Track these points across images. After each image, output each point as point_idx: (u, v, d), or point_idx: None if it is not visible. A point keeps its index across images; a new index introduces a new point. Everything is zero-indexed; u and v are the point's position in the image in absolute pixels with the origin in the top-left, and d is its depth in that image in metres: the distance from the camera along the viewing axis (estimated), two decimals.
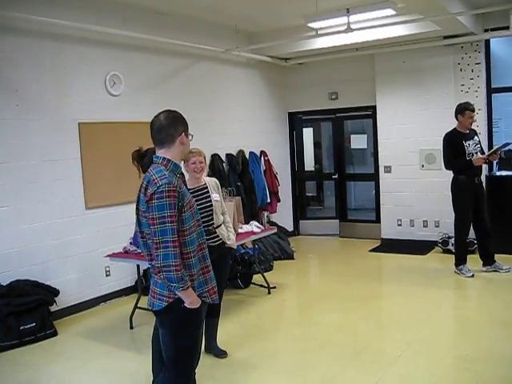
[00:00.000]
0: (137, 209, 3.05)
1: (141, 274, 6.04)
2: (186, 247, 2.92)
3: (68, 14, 6.03)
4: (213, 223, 4.61)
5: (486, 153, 7.07)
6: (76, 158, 6.33)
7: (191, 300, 2.92)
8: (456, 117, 6.91)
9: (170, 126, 3.00)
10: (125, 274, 6.81)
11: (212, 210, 4.58)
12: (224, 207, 5.02)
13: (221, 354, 4.78)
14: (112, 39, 6.65)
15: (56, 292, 5.87)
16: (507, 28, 7.18)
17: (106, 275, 6.69)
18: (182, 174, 3.12)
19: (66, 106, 6.21)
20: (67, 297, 6.19)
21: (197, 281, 2.99)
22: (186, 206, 2.92)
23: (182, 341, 3.02)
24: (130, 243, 5.68)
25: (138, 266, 5.90)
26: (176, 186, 2.86)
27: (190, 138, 3.11)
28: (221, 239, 4.67)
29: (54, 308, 5.83)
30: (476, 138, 7.02)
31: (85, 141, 6.39)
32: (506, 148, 7.53)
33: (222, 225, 4.79)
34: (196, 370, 3.21)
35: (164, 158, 2.98)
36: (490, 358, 4.53)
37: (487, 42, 8.31)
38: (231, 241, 4.85)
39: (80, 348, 5.29)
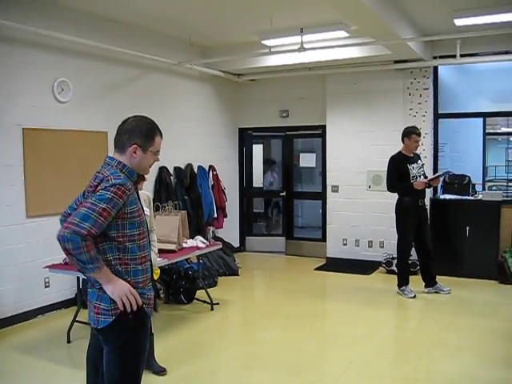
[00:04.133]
0: (69, 215, 2.88)
1: (80, 287, 5.86)
2: (126, 253, 2.80)
3: (17, 16, 5.87)
4: None
5: (429, 177, 7.22)
6: (18, 164, 6.12)
7: (110, 280, 2.72)
8: (402, 139, 7.06)
9: (125, 133, 2.89)
10: (64, 285, 6.61)
11: None
12: (153, 225, 4.96)
13: (159, 370, 4.67)
14: (62, 45, 6.50)
15: None
16: (454, 57, 7.37)
17: (45, 286, 6.48)
18: (136, 182, 2.98)
19: (9, 110, 6.02)
20: (3, 308, 5.96)
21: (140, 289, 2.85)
22: (132, 214, 2.79)
23: (128, 359, 2.85)
24: None
25: (78, 278, 5.73)
26: (128, 189, 2.75)
27: (150, 154, 2.93)
28: None
29: None
30: (419, 161, 7.18)
31: (29, 147, 6.19)
32: (451, 173, 7.75)
33: None
34: None
35: (120, 162, 2.86)
36: (429, 379, 4.58)
37: (435, 69, 8.53)
38: (153, 260, 4.80)
39: (14, 362, 5.07)
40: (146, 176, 4.51)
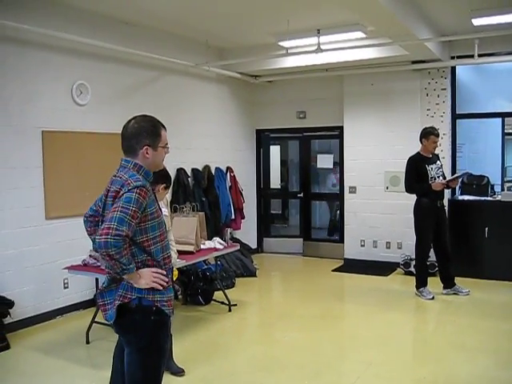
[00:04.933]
0: (91, 216, 3.09)
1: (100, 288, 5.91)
2: (151, 256, 2.86)
3: (36, 20, 5.93)
4: None
5: (447, 178, 7.17)
6: (38, 166, 6.19)
7: (144, 277, 2.82)
8: (420, 140, 7.02)
9: (132, 137, 2.92)
10: (83, 286, 6.66)
11: None
12: (169, 225, 4.99)
13: (178, 371, 4.69)
14: (80, 48, 6.56)
15: (11, 303, 5.70)
16: (472, 57, 7.32)
17: (64, 287, 6.54)
18: (153, 183, 3.07)
19: (29, 113, 6.09)
20: (23, 309, 6.02)
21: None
22: (152, 215, 2.85)
23: (150, 360, 2.89)
24: (90, 256, 5.56)
25: (96, 280, 5.77)
26: (148, 191, 2.81)
27: (160, 150, 2.98)
28: None
29: (7, 320, 5.66)
30: (438, 162, 7.13)
31: (48, 149, 6.26)
32: (469, 174, 7.69)
33: None
34: None
35: (136, 164, 2.91)
36: (447, 381, 4.56)
37: (453, 69, 8.47)
38: (173, 259, 4.81)
39: (33, 363, 5.14)
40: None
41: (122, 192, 2.76)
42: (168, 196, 5.08)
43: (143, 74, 7.66)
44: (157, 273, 2.85)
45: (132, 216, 2.69)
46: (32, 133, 6.12)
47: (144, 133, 2.92)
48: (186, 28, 7.73)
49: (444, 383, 4.52)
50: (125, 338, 2.96)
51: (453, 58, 8.22)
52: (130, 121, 2.99)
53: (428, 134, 6.97)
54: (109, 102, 7.05)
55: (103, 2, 6.43)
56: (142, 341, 2.86)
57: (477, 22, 6.66)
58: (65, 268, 5.73)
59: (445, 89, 8.39)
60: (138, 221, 2.76)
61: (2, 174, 5.84)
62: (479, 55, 7.26)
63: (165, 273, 2.90)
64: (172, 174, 7.97)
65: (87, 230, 3.16)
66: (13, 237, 5.96)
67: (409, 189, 7.07)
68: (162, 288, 2.85)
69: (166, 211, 4.71)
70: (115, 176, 2.90)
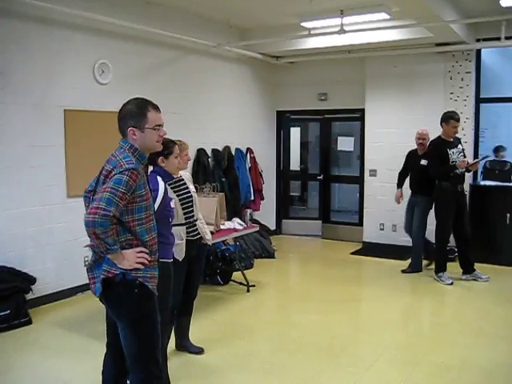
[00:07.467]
0: (90, 192, 3.12)
1: None
2: (136, 236, 2.93)
3: None
4: (193, 215, 4.48)
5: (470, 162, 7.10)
6: (60, 144, 6.24)
7: (127, 258, 2.89)
8: (441, 124, 6.95)
9: (121, 120, 3.01)
10: None
11: (192, 201, 4.44)
12: (197, 202, 5.00)
13: (197, 350, 4.73)
14: (102, 27, 6.56)
15: (32, 280, 5.80)
16: (498, 39, 7.19)
17: (85, 265, 6.59)
18: (147, 165, 3.15)
19: (52, 91, 6.12)
20: (44, 285, 6.10)
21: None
22: (141, 198, 2.90)
23: (142, 330, 2.97)
24: None
25: None
26: (139, 174, 2.87)
27: (149, 131, 2.97)
28: (199, 234, 4.59)
29: (30, 296, 5.75)
30: (460, 146, 7.06)
31: (70, 128, 6.30)
32: (491, 158, 7.61)
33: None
34: (169, 367, 3.14)
35: (132, 146, 2.97)
36: (463, 366, 4.55)
37: (478, 52, 8.34)
38: (208, 236, 4.80)
39: (54, 338, 5.23)
40: (188, 156, 4.57)
41: (113, 173, 2.84)
42: (189, 172, 5.00)
43: (164, 53, 7.64)
44: (141, 252, 2.93)
45: (120, 197, 2.77)
46: (54, 111, 6.16)
47: (128, 114, 2.99)
48: (208, 7, 7.68)
49: (461, 368, 4.52)
50: (113, 312, 3.04)
51: (478, 40, 8.08)
52: (124, 104, 3.06)
53: (448, 118, 6.89)
54: (130, 81, 7.05)
55: None
56: (130, 313, 2.95)
57: (505, 2, 6.53)
58: (86, 246, 5.75)
59: (469, 72, 8.27)
60: (126, 202, 2.83)
61: (24, 152, 5.89)
62: (506, 38, 7.14)
63: (147, 251, 2.96)
64: (192, 154, 7.98)
65: (86, 206, 3.20)
66: (35, 214, 6.03)
67: (433, 171, 6.98)
68: (143, 266, 2.93)
69: (193, 188, 4.65)
70: (112, 156, 2.98)
